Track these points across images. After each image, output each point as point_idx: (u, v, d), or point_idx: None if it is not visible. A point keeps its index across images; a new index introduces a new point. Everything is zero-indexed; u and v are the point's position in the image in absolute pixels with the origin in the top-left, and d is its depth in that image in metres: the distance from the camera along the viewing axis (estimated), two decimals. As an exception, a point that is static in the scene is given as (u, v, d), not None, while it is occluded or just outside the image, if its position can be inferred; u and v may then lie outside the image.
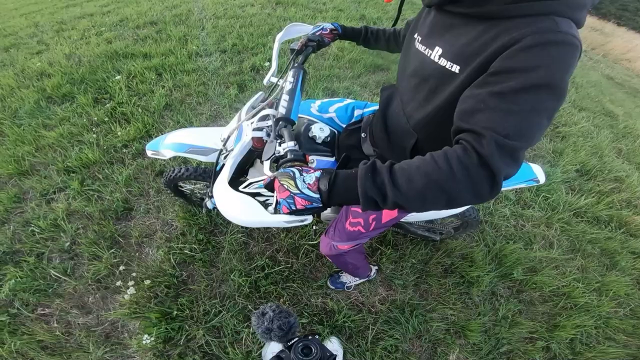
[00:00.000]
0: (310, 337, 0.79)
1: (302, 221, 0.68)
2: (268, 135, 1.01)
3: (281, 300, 1.59)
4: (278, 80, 1.16)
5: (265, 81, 1.16)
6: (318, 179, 0.63)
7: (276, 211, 0.66)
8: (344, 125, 1.27)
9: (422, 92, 0.86)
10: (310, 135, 1.18)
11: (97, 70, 3.08)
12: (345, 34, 1.31)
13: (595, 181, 2.63)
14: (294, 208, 0.62)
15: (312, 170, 0.65)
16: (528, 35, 0.60)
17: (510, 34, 0.63)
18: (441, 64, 0.77)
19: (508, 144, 0.58)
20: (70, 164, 2.13)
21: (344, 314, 1.58)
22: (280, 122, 0.90)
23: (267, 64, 3.27)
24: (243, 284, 1.59)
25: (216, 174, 1.27)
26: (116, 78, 2.95)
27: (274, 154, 0.78)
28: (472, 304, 1.75)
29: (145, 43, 3.62)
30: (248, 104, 1.17)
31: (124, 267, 1.62)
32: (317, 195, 0.62)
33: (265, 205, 0.72)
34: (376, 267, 1.75)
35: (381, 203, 0.60)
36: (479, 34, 0.69)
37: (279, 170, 0.66)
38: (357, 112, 1.31)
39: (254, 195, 1.23)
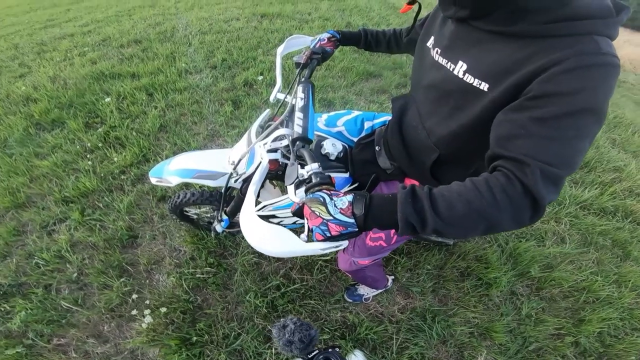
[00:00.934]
0: (330, 350, 0.81)
1: (337, 247, 0.67)
2: (284, 156, 1.02)
3: (301, 317, 1.63)
4: (285, 97, 1.16)
5: (271, 98, 1.16)
6: (351, 203, 0.62)
7: (309, 239, 0.65)
8: (354, 139, 1.28)
9: (444, 107, 0.85)
10: (322, 152, 1.18)
11: (84, 92, 3.12)
12: (344, 39, 1.32)
13: (595, 173, 2.75)
14: (328, 235, 0.62)
15: (342, 194, 0.64)
16: (570, 57, 0.59)
17: (549, 55, 0.61)
18: (467, 80, 0.75)
19: (552, 172, 0.59)
20: (67, 193, 2.15)
21: (365, 326, 1.63)
22: (298, 142, 0.88)
23: (259, 77, 3.35)
24: (260, 304, 1.63)
25: (226, 197, 1.30)
26: (106, 100, 2.99)
27: (297, 177, 0.75)
28: (493, 305, 1.82)
29: (132, 62, 3.67)
30: (256, 124, 1.19)
31: (136, 295, 1.65)
32: (352, 220, 0.61)
33: (296, 232, 0.72)
34: (392, 277, 1.81)
35: (420, 229, 0.60)
36: (511, 52, 0.68)
37: (308, 196, 0.66)
38: (367, 125, 1.30)
39: (268, 217, 1.29)
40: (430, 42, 0.91)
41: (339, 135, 1.28)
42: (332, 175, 1.15)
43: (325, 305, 1.71)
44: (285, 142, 1.00)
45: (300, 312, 1.66)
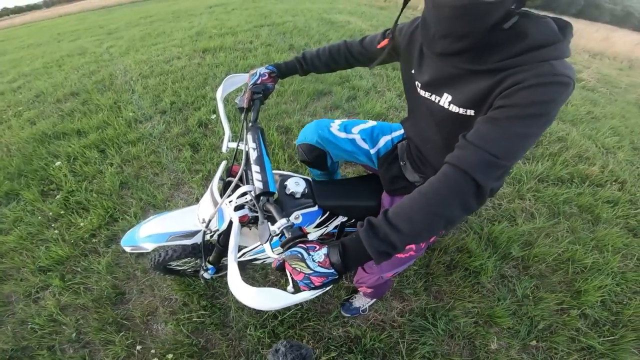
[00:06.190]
0: None
1: (324, 291, 0.77)
2: (250, 210, 1.14)
3: (304, 340, 1.91)
4: (238, 145, 1.27)
5: (223, 149, 1.27)
6: (327, 255, 0.75)
7: (296, 290, 0.75)
8: (368, 147, 1.49)
9: (443, 133, 1.04)
10: (287, 192, 1.32)
11: (31, 158, 3.33)
12: (282, 73, 1.47)
13: (542, 146, 3.21)
14: (312, 286, 0.74)
15: (317, 247, 0.76)
16: (530, 78, 0.75)
17: (513, 78, 0.78)
18: (453, 110, 0.93)
19: (494, 161, 0.74)
20: (42, 263, 2.36)
21: (369, 337, 1.85)
22: (262, 198, 0.98)
23: (213, 116, 3.68)
24: (262, 335, 1.92)
25: (206, 248, 1.50)
26: (56, 164, 3.19)
27: (270, 234, 0.85)
28: (487, 292, 2.08)
29: (74, 118, 3.91)
30: (216, 179, 1.30)
31: (140, 347, 1.93)
32: (332, 270, 0.73)
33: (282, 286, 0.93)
34: None
35: (392, 252, 0.73)
36: (486, 81, 0.84)
37: (286, 254, 0.77)
38: (384, 139, 1.49)
39: (250, 261, 1.60)
40: (413, 72, 1.08)
41: (351, 142, 1.49)
42: (302, 212, 1.32)
43: (325, 324, 1.95)
44: (249, 197, 1.11)
45: (302, 335, 1.91)
